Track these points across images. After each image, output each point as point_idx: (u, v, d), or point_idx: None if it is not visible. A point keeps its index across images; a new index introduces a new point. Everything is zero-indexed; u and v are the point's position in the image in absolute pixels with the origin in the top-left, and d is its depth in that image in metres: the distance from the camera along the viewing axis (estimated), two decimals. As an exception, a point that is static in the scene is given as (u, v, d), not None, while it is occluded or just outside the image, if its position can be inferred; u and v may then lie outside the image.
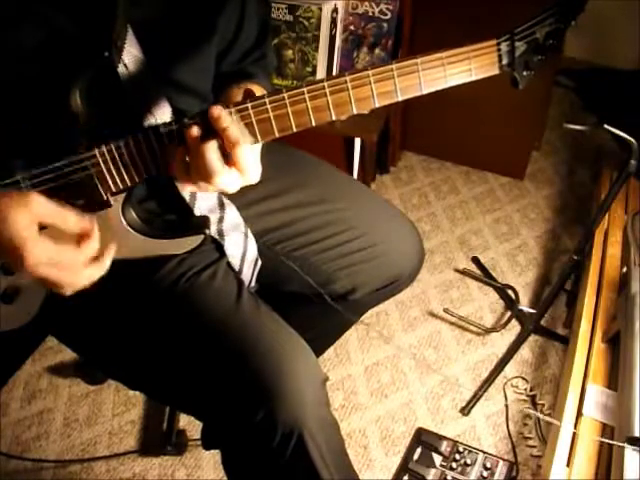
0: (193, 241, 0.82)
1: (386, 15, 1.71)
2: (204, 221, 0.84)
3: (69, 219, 0.68)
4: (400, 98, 0.72)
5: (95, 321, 0.88)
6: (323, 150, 1.09)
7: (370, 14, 1.72)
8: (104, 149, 0.72)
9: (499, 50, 0.71)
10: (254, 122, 0.71)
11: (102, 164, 0.73)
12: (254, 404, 0.78)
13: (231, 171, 0.69)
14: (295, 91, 0.70)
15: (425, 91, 0.72)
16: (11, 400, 1.51)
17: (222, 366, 0.80)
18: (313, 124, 0.72)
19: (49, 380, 1.56)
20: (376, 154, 1.99)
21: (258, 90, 0.89)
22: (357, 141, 1.95)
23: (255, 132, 0.71)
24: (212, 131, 0.69)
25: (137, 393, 1.51)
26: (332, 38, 1.68)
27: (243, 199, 0.96)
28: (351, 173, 1.99)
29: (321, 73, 1.72)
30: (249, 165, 0.69)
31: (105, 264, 0.71)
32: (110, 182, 0.74)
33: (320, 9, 1.61)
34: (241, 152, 0.68)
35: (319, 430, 0.81)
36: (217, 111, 0.68)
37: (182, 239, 0.82)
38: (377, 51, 1.77)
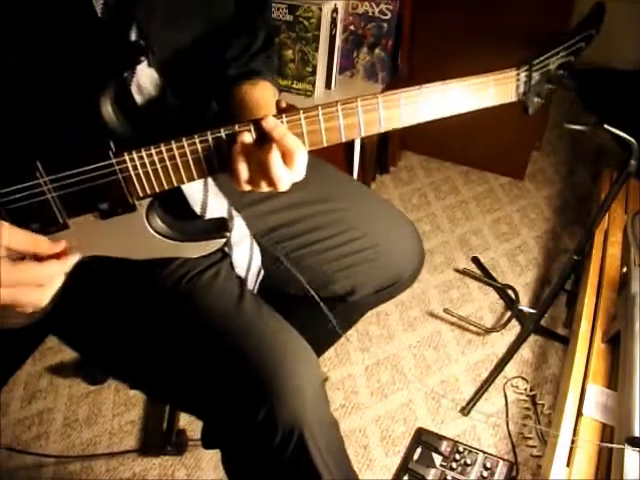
0: (215, 244, 0.82)
1: (386, 15, 1.71)
2: (225, 224, 0.85)
3: (41, 242, 0.69)
4: (422, 120, 0.78)
5: (97, 320, 0.88)
6: (323, 150, 1.08)
7: (370, 14, 1.72)
8: (134, 155, 0.72)
9: (518, 80, 0.76)
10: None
11: (131, 170, 0.73)
12: (255, 403, 0.78)
13: (290, 173, 0.72)
14: (329, 109, 0.72)
15: (446, 115, 0.77)
16: (11, 400, 1.51)
17: (224, 365, 0.81)
18: (343, 140, 0.75)
19: (49, 380, 1.56)
20: (376, 154, 1.99)
21: (269, 86, 0.93)
22: (357, 141, 1.95)
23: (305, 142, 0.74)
24: (265, 138, 0.71)
25: (137, 393, 1.51)
26: (332, 38, 1.68)
27: (244, 199, 0.97)
28: (351, 173, 1.99)
29: (321, 73, 1.72)
30: (303, 165, 0.73)
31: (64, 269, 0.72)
32: (138, 187, 0.75)
33: (320, 9, 1.61)
34: (300, 156, 0.71)
35: (319, 429, 0.81)
36: (272, 121, 0.71)
37: (204, 242, 0.82)
38: (377, 51, 1.77)
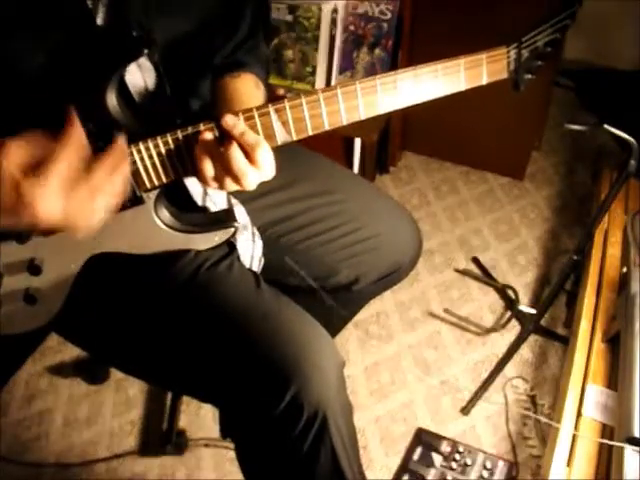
0: (224, 235, 0.83)
1: (386, 15, 1.71)
2: (232, 214, 0.86)
3: (39, 135, 0.66)
4: (424, 99, 0.78)
5: (112, 317, 0.88)
6: (323, 150, 1.09)
7: (370, 14, 1.72)
8: (141, 146, 0.73)
9: (508, 57, 0.78)
10: (290, 121, 0.74)
11: (138, 161, 0.74)
12: (282, 387, 0.78)
13: (254, 170, 0.73)
14: (329, 92, 0.74)
15: (447, 92, 0.78)
16: (11, 400, 1.51)
17: (247, 352, 0.81)
18: (345, 123, 0.77)
19: (49, 380, 1.56)
20: (376, 154, 1.99)
21: (251, 79, 0.94)
22: (357, 141, 1.95)
23: (291, 131, 0.75)
24: (227, 135, 0.72)
25: (137, 393, 1.51)
26: (332, 38, 1.68)
27: (246, 193, 0.97)
28: (351, 173, 1.99)
29: (321, 73, 1.72)
30: (267, 163, 0.74)
31: (116, 186, 0.69)
32: (145, 179, 0.75)
33: (320, 9, 1.62)
34: (261, 152, 0.72)
35: (342, 412, 0.83)
36: (231, 120, 0.72)
37: (213, 233, 0.83)
38: (377, 51, 1.77)
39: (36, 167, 0.64)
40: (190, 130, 0.73)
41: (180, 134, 0.73)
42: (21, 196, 0.63)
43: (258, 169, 0.73)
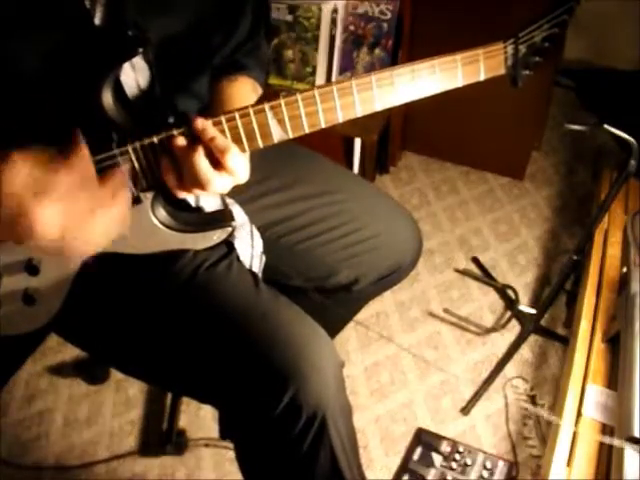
0: (222, 234, 0.83)
1: (386, 15, 1.71)
2: (230, 214, 0.85)
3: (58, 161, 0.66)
4: (420, 96, 0.78)
5: (111, 317, 0.87)
6: (323, 150, 1.09)
7: (370, 14, 1.72)
8: (137, 145, 0.73)
9: (505, 52, 0.78)
10: (286, 118, 0.74)
11: (135, 160, 0.73)
12: (280, 387, 0.78)
13: (222, 176, 0.73)
14: (325, 88, 0.73)
15: (445, 88, 0.78)
16: (11, 400, 1.51)
17: (246, 352, 0.81)
18: (340, 120, 0.76)
19: (49, 380, 1.56)
20: (376, 154, 1.98)
21: (249, 82, 0.95)
22: (357, 141, 1.95)
23: (287, 129, 0.75)
24: (198, 139, 0.71)
25: (137, 393, 1.51)
26: (332, 38, 1.68)
27: (245, 194, 0.98)
28: (351, 173, 1.99)
29: (321, 73, 1.72)
30: (239, 167, 0.73)
31: (116, 211, 0.70)
32: (142, 178, 0.75)
33: (320, 9, 1.62)
34: (231, 157, 0.71)
35: (340, 413, 0.83)
36: (201, 124, 0.71)
37: (211, 232, 0.83)
38: (377, 51, 1.77)
39: (40, 185, 0.65)
40: (164, 134, 0.73)
41: (175, 132, 0.73)
42: (22, 211, 0.64)
43: (229, 174, 0.73)
